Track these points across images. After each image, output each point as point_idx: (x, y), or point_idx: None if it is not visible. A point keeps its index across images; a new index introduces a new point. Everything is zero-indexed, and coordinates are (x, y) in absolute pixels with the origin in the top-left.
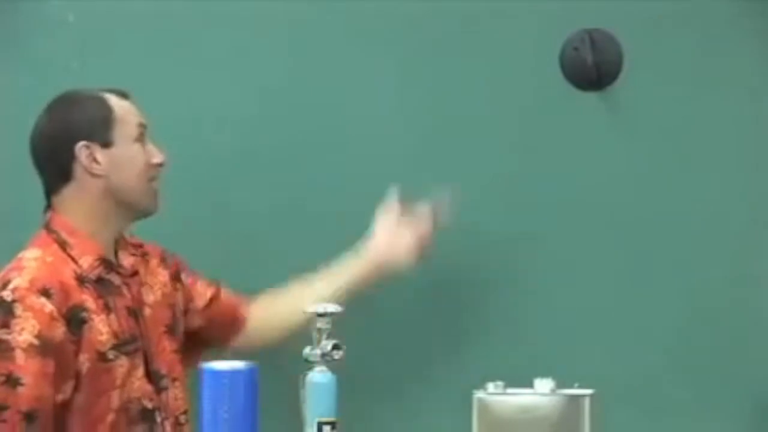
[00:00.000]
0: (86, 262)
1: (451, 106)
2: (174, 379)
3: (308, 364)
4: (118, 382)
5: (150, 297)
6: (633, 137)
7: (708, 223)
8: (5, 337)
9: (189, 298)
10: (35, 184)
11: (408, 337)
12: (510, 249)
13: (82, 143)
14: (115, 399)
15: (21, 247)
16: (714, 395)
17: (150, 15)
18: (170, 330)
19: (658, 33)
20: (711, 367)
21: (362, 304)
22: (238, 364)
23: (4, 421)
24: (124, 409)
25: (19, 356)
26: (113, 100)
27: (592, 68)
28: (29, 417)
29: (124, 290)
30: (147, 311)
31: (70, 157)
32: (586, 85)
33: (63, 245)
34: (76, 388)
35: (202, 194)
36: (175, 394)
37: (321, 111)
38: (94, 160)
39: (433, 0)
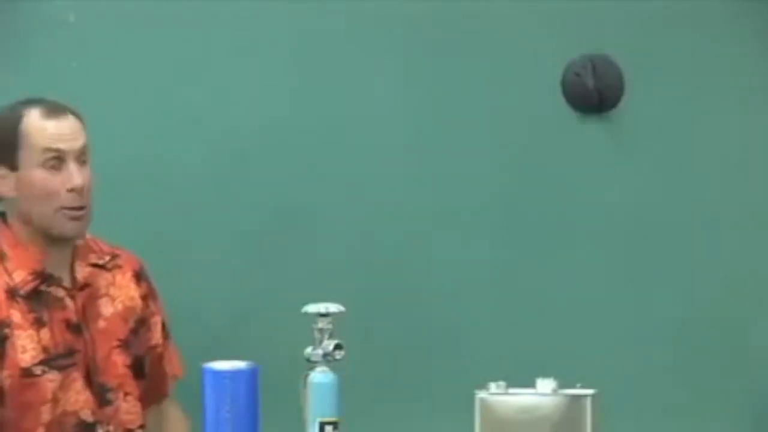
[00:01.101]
0: (19, 276)
1: (453, 108)
2: (126, 394)
3: (310, 364)
4: (49, 396)
5: (107, 309)
6: (632, 144)
7: (708, 226)
8: None
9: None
10: None
11: (410, 337)
12: (511, 250)
13: None
14: (45, 414)
15: None
16: (715, 395)
17: (151, 15)
18: (124, 344)
19: (660, 48)
20: (712, 367)
21: (363, 304)
22: (239, 364)
23: None
24: (57, 422)
25: None
26: (31, 120)
27: (594, 93)
28: None
29: (67, 302)
30: (100, 323)
31: None
32: (588, 110)
33: (1, 257)
34: (5, 407)
35: (201, 194)
36: (126, 408)
37: (321, 111)
38: (3, 182)
39: (436, 10)
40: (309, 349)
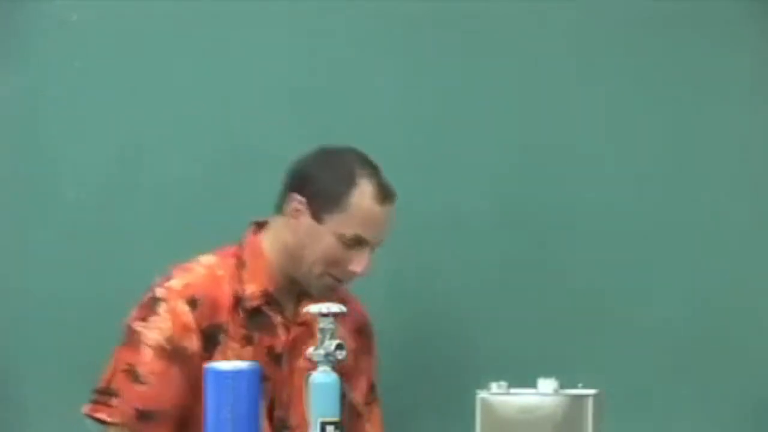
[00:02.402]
0: (250, 289)
1: (453, 108)
2: None
3: (311, 364)
4: None
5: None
6: (636, 138)
7: (709, 225)
8: (139, 329)
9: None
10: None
11: (411, 336)
12: (512, 249)
13: (300, 195)
14: None
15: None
16: (717, 395)
17: (153, 15)
18: None
19: (660, 48)
20: (714, 367)
21: (364, 304)
22: (241, 364)
23: (111, 406)
24: None
25: (146, 353)
26: (363, 195)
27: None
28: (144, 415)
29: (280, 332)
30: (301, 362)
31: (289, 193)
32: None
33: (240, 264)
34: (197, 401)
35: (202, 193)
36: None
37: (322, 111)
38: (297, 216)
39: (437, 10)
40: (311, 349)
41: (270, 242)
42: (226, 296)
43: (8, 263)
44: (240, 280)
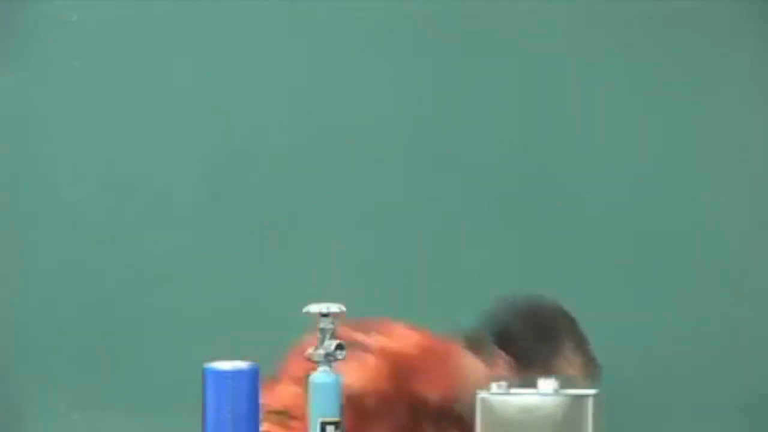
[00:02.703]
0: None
1: (453, 108)
2: None
3: (311, 364)
4: None
5: None
6: (636, 138)
7: (709, 225)
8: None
9: None
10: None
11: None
12: (512, 248)
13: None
14: None
15: None
16: (717, 395)
17: (153, 15)
18: None
19: (660, 48)
20: (714, 367)
21: (364, 304)
22: (240, 364)
23: None
24: None
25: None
26: (569, 368)
27: None
28: None
29: None
30: None
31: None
32: None
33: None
34: None
35: (202, 192)
36: None
37: (322, 111)
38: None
39: (437, 10)
40: (311, 349)
41: None
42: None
43: (8, 263)
44: (418, 374)
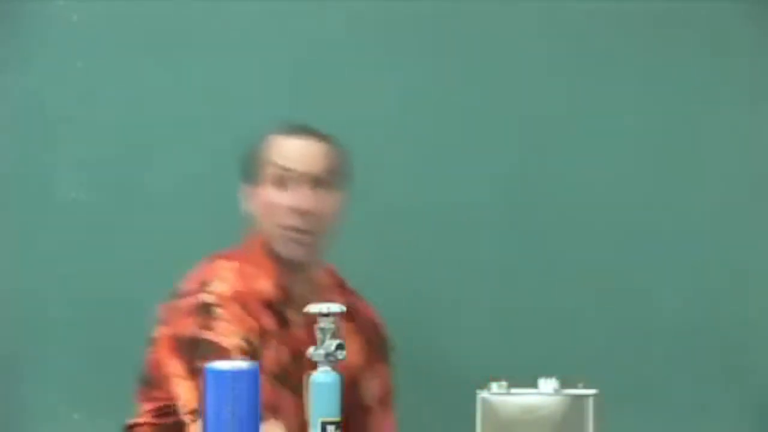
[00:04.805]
0: (268, 287)
1: (453, 111)
2: None
3: (312, 364)
4: (268, 406)
5: None
6: (636, 138)
7: (709, 225)
8: (212, 338)
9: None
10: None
11: (411, 336)
12: (513, 248)
13: (243, 183)
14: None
15: None
16: (717, 395)
17: (154, 15)
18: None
19: (660, 48)
20: (714, 367)
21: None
22: (241, 364)
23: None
24: None
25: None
26: (274, 138)
27: None
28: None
29: (296, 330)
30: None
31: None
32: None
33: (253, 265)
34: None
35: (202, 192)
36: None
37: (322, 111)
38: (248, 200)
39: (437, 10)
40: (311, 349)
41: (259, 238)
42: (256, 301)
43: (8, 263)
44: (258, 281)
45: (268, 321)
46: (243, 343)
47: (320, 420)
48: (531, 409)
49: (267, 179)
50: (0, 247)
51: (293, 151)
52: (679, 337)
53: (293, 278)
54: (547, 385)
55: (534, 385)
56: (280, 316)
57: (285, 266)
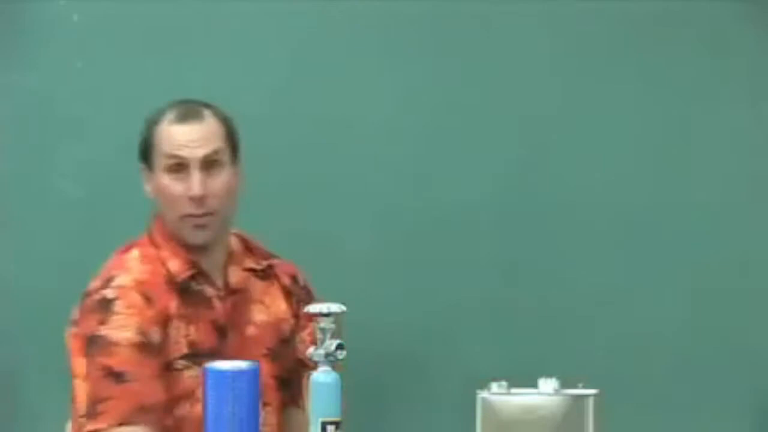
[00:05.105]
0: (174, 266)
1: (453, 108)
2: (266, 404)
3: (258, 330)
4: (187, 391)
5: (260, 316)
6: (635, 139)
7: (709, 225)
8: (104, 333)
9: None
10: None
11: (412, 336)
12: (514, 248)
13: (142, 164)
14: (181, 409)
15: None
16: (718, 395)
17: (154, 15)
18: (272, 354)
19: (660, 48)
20: (715, 367)
21: (365, 304)
22: (241, 364)
23: (102, 412)
24: (197, 421)
25: (122, 352)
26: (163, 123)
27: None
28: (142, 410)
29: (216, 303)
30: (250, 330)
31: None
32: None
33: (157, 248)
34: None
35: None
36: (263, 419)
37: (322, 111)
38: (146, 181)
39: (437, 10)
40: (311, 349)
41: (161, 220)
42: (161, 284)
43: (8, 263)
44: (162, 261)
45: (177, 303)
46: (135, 336)
47: (320, 420)
48: (531, 409)
49: (160, 168)
50: (0, 247)
51: (180, 139)
52: (679, 337)
53: (202, 255)
54: (547, 385)
55: (534, 385)
56: (196, 294)
57: (191, 247)
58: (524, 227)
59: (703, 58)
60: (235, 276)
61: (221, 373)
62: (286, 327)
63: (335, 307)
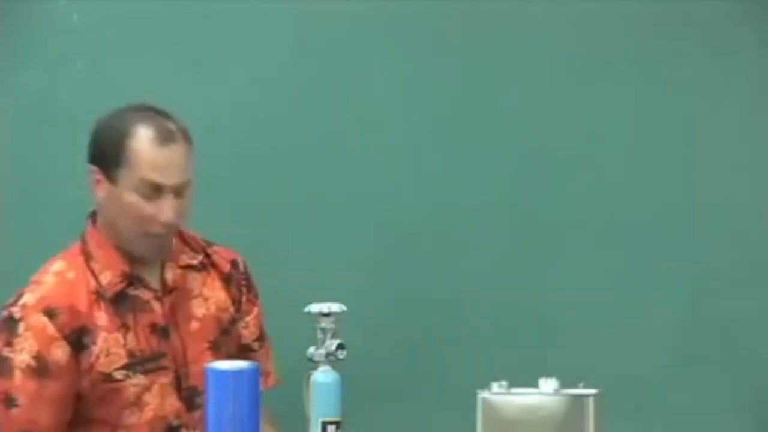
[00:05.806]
0: (106, 278)
1: (452, 107)
2: None
3: (312, 364)
4: (132, 400)
5: (200, 310)
6: (635, 139)
7: (709, 225)
8: (8, 355)
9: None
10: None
11: (412, 336)
12: (514, 248)
13: (92, 165)
14: (129, 417)
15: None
16: (718, 395)
17: (154, 14)
18: (214, 346)
19: (660, 48)
20: (715, 367)
21: (366, 304)
22: (241, 364)
23: None
24: (147, 426)
25: (18, 376)
26: (139, 142)
27: None
28: None
29: (154, 305)
30: (192, 325)
31: (87, 167)
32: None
33: (88, 258)
34: (89, 406)
35: (202, 193)
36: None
37: (322, 111)
38: (99, 187)
39: (437, 10)
40: (312, 349)
41: (104, 228)
42: (83, 296)
43: (8, 263)
44: (93, 274)
45: (108, 315)
46: (31, 360)
47: (320, 420)
48: (531, 409)
49: (129, 186)
50: (0, 247)
51: (160, 164)
52: (679, 337)
53: (140, 261)
54: (548, 385)
55: (534, 385)
56: (132, 300)
57: (136, 259)
58: (524, 227)
59: (703, 58)
60: (172, 274)
61: (221, 373)
62: (226, 316)
63: (335, 307)
